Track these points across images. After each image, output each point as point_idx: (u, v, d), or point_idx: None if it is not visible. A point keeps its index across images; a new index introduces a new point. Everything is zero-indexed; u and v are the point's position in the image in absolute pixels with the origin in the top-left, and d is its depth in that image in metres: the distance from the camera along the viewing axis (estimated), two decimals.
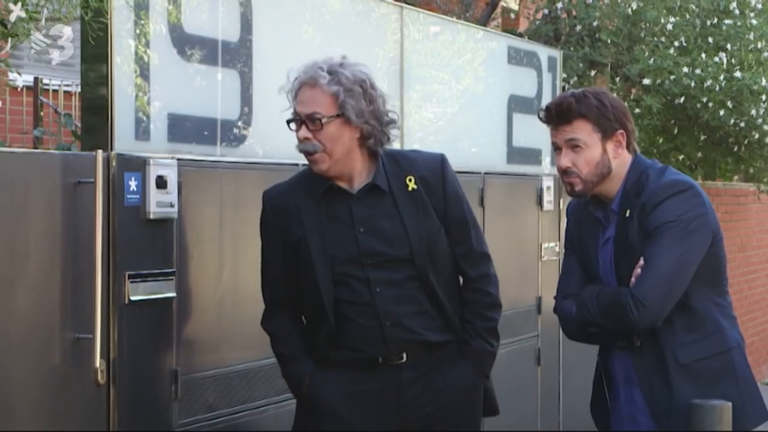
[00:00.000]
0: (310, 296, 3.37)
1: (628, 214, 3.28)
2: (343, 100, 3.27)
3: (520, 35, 8.86)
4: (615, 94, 8.85)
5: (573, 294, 3.40)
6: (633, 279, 3.23)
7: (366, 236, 3.33)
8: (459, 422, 3.46)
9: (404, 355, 3.36)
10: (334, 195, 3.36)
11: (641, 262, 3.21)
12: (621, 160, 3.34)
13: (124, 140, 3.62)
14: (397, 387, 3.36)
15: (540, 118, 3.42)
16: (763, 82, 8.35)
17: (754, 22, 8.72)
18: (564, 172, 3.35)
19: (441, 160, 3.47)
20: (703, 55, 8.28)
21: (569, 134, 3.32)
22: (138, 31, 3.68)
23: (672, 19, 8.40)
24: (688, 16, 8.64)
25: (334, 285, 3.32)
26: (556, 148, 3.38)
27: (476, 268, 3.47)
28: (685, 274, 3.20)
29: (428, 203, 3.39)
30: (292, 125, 3.33)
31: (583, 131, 3.31)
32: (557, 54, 6.81)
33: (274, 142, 4.22)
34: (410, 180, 3.40)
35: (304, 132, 3.29)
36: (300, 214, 3.37)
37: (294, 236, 3.37)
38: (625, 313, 3.18)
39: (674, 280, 3.19)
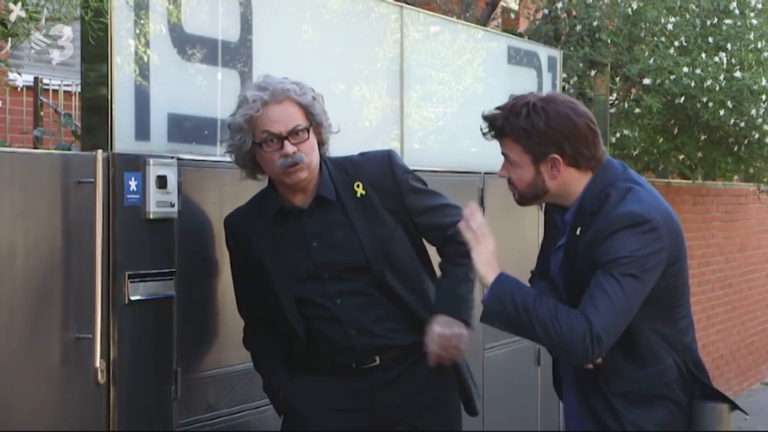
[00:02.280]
0: (278, 317, 3.44)
1: (578, 232, 3.10)
2: (315, 109, 3.34)
3: (520, 35, 8.86)
4: (615, 95, 8.87)
5: (543, 277, 3.28)
6: (590, 308, 2.98)
7: (320, 249, 3.37)
8: (436, 422, 3.47)
9: (377, 359, 3.39)
10: (286, 215, 3.39)
11: (594, 286, 2.99)
12: (565, 180, 3.11)
13: (124, 140, 3.62)
14: (371, 389, 3.39)
15: (482, 119, 3.23)
16: (763, 82, 8.35)
17: (754, 22, 8.71)
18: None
19: (388, 158, 3.48)
20: (703, 55, 8.28)
21: (502, 148, 3.17)
22: (138, 31, 3.68)
23: (672, 19, 8.40)
24: (688, 16, 8.63)
25: (298, 303, 3.37)
26: None
27: (451, 229, 3.45)
28: (633, 315, 3.03)
29: (379, 207, 3.40)
30: (265, 148, 3.31)
31: (513, 151, 3.12)
32: (557, 54, 6.81)
33: None
34: (358, 186, 3.41)
35: (290, 147, 3.30)
36: (258, 239, 3.42)
37: (255, 261, 3.43)
38: (582, 347, 2.96)
39: (626, 319, 3.01)
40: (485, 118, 3.19)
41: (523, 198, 3.20)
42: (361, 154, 3.53)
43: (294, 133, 3.31)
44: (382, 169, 3.44)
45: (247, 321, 3.61)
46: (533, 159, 3.10)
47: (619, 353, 3.09)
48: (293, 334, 3.42)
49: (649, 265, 3.00)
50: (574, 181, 3.13)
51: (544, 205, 3.38)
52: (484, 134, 3.22)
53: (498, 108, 3.19)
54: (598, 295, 2.99)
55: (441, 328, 3.37)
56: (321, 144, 3.40)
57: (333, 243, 3.37)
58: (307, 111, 3.34)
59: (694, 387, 3.17)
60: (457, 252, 3.42)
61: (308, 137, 3.32)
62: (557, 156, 3.09)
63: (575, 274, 3.11)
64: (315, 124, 3.35)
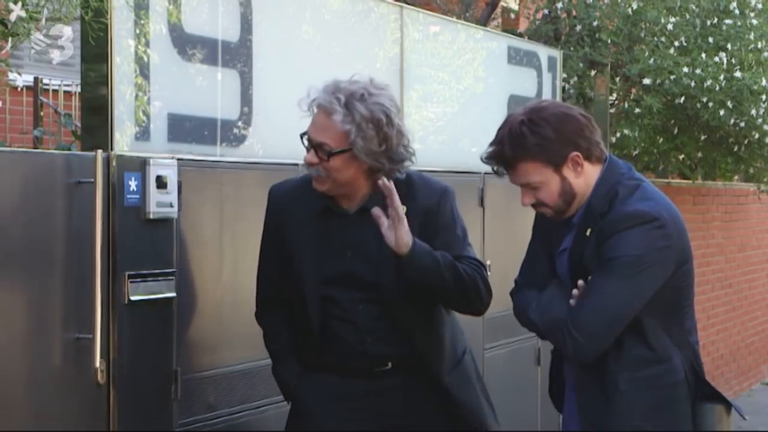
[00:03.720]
0: (298, 309, 3.41)
1: (588, 233, 3.09)
2: (353, 140, 3.20)
3: (520, 35, 8.86)
4: (615, 95, 8.86)
5: (535, 284, 3.26)
6: (572, 301, 3.07)
7: (353, 259, 3.34)
8: (442, 425, 3.46)
9: (389, 363, 3.38)
10: (330, 214, 3.36)
11: (582, 284, 3.06)
12: (585, 178, 3.10)
13: (124, 140, 3.62)
14: (381, 391, 3.37)
15: (486, 163, 3.16)
16: (763, 82, 8.35)
17: (754, 22, 8.71)
18: (532, 205, 3.17)
19: (441, 193, 3.40)
20: (703, 55, 8.28)
21: (520, 179, 3.12)
22: (138, 31, 3.68)
23: (672, 19, 8.40)
24: (688, 16, 8.63)
25: (320, 301, 3.34)
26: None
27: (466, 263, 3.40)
28: (630, 313, 3.03)
29: (414, 233, 3.29)
30: (305, 139, 3.29)
31: (532, 173, 3.08)
32: (557, 54, 6.81)
33: (274, 142, 4.22)
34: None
35: (311, 157, 3.25)
36: (296, 227, 3.38)
37: (287, 247, 3.39)
38: (563, 344, 3.06)
39: (615, 319, 3.02)
40: (490, 157, 3.13)
41: (559, 211, 3.15)
42: (421, 177, 3.44)
43: (320, 148, 3.24)
44: (432, 201, 3.37)
45: (263, 297, 3.53)
46: (555, 168, 3.07)
47: (630, 352, 3.09)
48: (309, 330, 3.39)
49: (652, 261, 2.99)
50: (589, 177, 3.11)
51: (534, 217, 3.36)
52: (495, 172, 3.17)
53: (492, 144, 3.13)
54: (588, 292, 3.03)
55: (404, 227, 3.22)
56: (373, 170, 3.26)
57: (366, 255, 3.34)
58: (347, 137, 3.21)
59: (696, 388, 3.16)
60: (461, 263, 3.38)
61: (328, 158, 3.22)
62: (576, 153, 3.07)
63: (585, 275, 3.09)
64: (355, 151, 3.22)
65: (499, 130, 3.13)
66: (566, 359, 3.30)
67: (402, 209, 3.21)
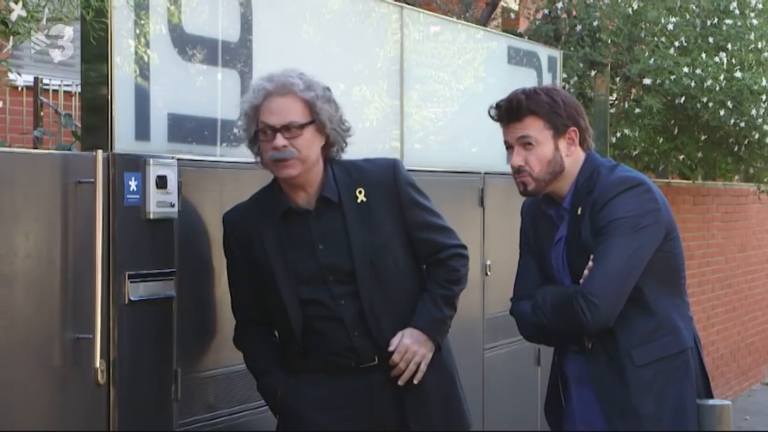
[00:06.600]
0: (278, 316, 3.44)
1: (579, 212, 3.23)
2: (320, 107, 3.32)
3: (520, 35, 8.86)
4: (615, 95, 8.86)
5: (529, 295, 3.35)
6: (582, 279, 3.18)
7: (325, 252, 3.37)
8: (433, 421, 3.46)
9: (375, 358, 3.39)
10: (292, 215, 3.38)
11: (591, 260, 3.17)
12: (574, 158, 3.29)
13: (124, 140, 3.62)
14: (369, 388, 3.38)
15: (491, 116, 3.36)
16: (763, 82, 8.34)
17: (754, 22, 8.71)
18: (516, 171, 3.30)
19: (393, 168, 3.47)
20: (704, 55, 8.28)
21: (520, 132, 3.27)
22: (138, 31, 3.68)
23: (672, 19, 8.40)
24: (688, 16, 8.63)
25: (301, 304, 3.36)
26: (508, 147, 3.32)
27: (445, 251, 3.51)
28: (635, 272, 3.15)
29: (377, 215, 3.38)
30: (261, 137, 3.34)
31: (534, 128, 3.25)
32: (557, 54, 6.81)
33: None
34: (360, 192, 3.40)
35: (281, 140, 3.30)
36: (261, 237, 3.41)
37: (257, 259, 3.42)
38: (576, 315, 3.12)
39: (624, 278, 3.13)
40: (500, 103, 3.30)
41: (539, 182, 3.28)
42: (367, 161, 3.52)
43: (287, 127, 3.30)
44: (387, 177, 3.44)
45: (240, 319, 3.60)
46: (554, 133, 3.26)
47: (638, 328, 3.19)
48: (292, 335, 3.41)
49: (647, 221, 3.15)
50: (576, 161, 3.30)
51: (519, 231, 3.53)
52: (499, 118, 3.32)
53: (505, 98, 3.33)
54: (595, 261, 3.15)
55: (410, 342, 3.38)
56: (329, 144, 3.38)
57: (337, 246, 3.37)
58: (311, 108, 3.32)
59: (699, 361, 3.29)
60: (446, 276, 3.48)
61: (302, 133, 3.30)
62: (575, 129, 3.28)
63: (584, 254, 3.18)
64: (318, 122, 3.33)
65: (510, 94, 3.35)
66: (568, 357, 3.32)
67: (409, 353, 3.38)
